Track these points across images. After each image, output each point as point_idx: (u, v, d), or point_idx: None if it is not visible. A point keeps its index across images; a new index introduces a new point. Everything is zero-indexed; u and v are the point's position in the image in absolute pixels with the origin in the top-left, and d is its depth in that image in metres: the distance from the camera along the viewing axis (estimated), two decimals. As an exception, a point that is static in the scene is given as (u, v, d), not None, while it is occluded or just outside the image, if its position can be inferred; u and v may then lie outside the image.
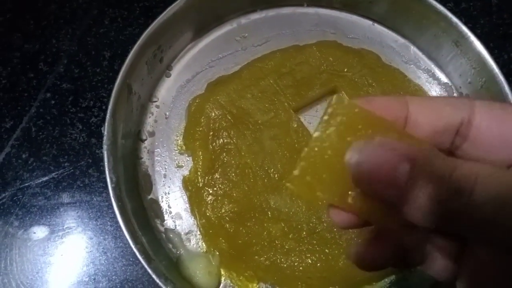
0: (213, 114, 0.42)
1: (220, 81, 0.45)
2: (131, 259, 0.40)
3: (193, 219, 0.40)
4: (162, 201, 0.41)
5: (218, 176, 0.40)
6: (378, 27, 0.49)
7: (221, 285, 0.39)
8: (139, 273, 0.40)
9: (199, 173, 0.40)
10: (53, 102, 0.46)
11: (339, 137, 0.20)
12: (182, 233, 0.40)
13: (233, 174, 0.40)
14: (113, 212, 0.35)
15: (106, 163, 0.37)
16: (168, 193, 0.42)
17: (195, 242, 0.40)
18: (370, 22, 0.49)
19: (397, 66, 0.47)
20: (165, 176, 0.42)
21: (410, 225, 0.19)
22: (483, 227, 0.18)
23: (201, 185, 0.40)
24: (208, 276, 0.38)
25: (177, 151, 0.43)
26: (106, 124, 0.38)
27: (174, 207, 0.41)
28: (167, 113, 0.45)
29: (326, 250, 0.38)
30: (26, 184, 0.43)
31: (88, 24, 0.50)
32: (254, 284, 0.38)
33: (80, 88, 0.47)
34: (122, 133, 0.40)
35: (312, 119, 0.44)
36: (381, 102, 0.22)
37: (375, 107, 0.21)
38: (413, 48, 0.48)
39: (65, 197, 0.42)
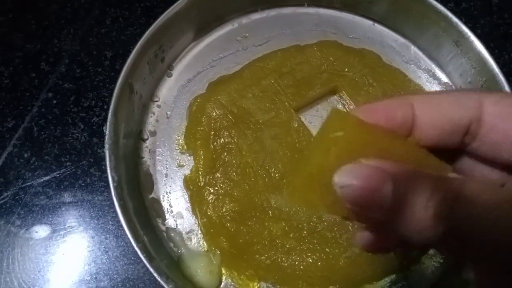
0: (214, 113, 0.42)
1: (221, 80, 0.45)
2: (132, 258, 0.41)
3: (194, 218, 0.41)
4: (164, 200, 0.41)
5: (219, 176, 0.40)
6: (378, 27, 0.49)
7: (222, 284, 0.39)
8: (141, 272, 0.40)
9: (200, 172, 0.41)
10: (55, 101, 0.46)
11: (336, 157, 0.19)
12: (183, 232, 0.40)
13: (234, 174, 0.40)
14: (115, 211, 0.35)
15: (107, 163, 0.37)
16: (170, 192, 0.42)
17: (196, 241, 0.40)
18: (371, 22, 0.49)
19: (398, 66, 0.47)
20: (166, 175, 0.42)
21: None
22: (471, 245, 0.18)
23: (202, 184, 0.40)
24: (209, 275, 0.38)
25: (178, 151, 0.43)
26: (107, 123, 0.38)
27: (175, 206, 0.41)
28: (169, 113, 0.45)
29: (327, 249, 0.38)
30: (28, 184, 0.43)
31: (90, 24, 0.50)
32: (255, 283, 0.38)
33: (82, 87, 0.47)
34: (123, 132, 0.40)
35: (312, 119, 0.44)
36: (383, 109, 0.22)
37: (378, 116, 0.21)
38: (413, 48, 0.48)
39: (67, 196, 0.43)
